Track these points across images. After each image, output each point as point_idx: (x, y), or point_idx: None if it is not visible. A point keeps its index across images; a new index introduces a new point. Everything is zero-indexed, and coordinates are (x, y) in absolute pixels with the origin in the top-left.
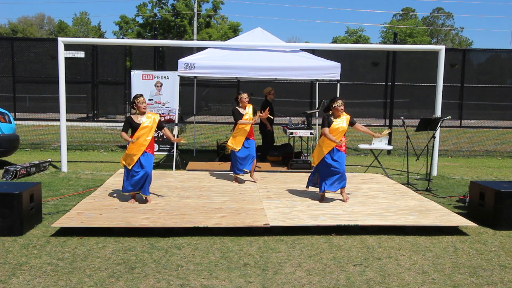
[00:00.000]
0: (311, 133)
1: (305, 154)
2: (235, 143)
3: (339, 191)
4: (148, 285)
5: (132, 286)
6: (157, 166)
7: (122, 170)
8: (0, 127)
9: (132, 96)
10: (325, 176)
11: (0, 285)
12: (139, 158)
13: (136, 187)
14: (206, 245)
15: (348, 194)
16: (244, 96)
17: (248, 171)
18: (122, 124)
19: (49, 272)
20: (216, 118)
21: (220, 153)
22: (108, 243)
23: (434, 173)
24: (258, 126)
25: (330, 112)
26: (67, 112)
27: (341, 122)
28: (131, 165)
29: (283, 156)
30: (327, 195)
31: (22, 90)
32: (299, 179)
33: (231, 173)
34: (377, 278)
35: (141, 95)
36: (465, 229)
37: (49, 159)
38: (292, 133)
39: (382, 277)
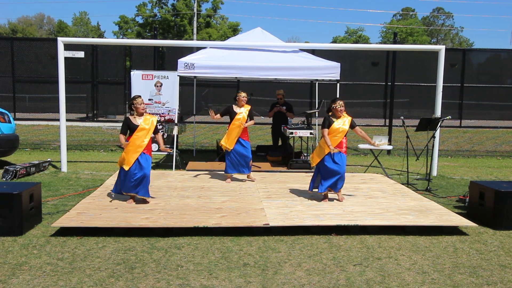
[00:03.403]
0: (311, 133)
1: (305, 154)
2: (228, 143)
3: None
4: (148, 285)
5: (132, 286)
6: (157, 166)
7: None
8: (0, 127)
9: (131, 97)
10: (325, 177)
11: (0, 285)
12: (137, 160)
13: (132, 189)
14: (206, 245)
15: (349, 195)
16: (243, 95)
17: (245, 173)
18: (121, 124)
19: (49, 272)
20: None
21: (220, 153)
22: (108, 243)
23: (434, 173)
24: (271, 126)
25: (330, 113)
26: (66, 112)
27: (342, 123)
28: (129, 166)
29: (283, 156)
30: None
31: (21, 90)
32: (299, 179)
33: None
34: (377, 278)
35: (139, 96)
36: (465, 229)
37: (48, 159)
38: (292, 133)
39: (382, 277)
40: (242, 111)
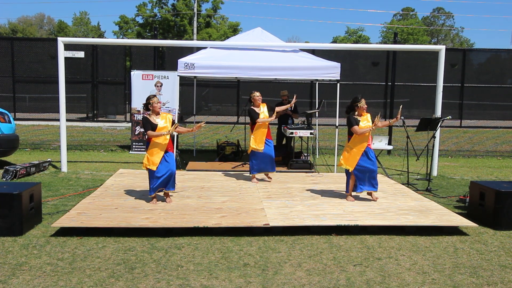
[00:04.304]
0: (311, 133)
1: (305, 154)
2: (257, 144)
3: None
4: (148, 285)
5: (132, 286)
6: None
7: (122, 170)
8: (0, 127)
9: (146, 97)
10: (363, 177)
11: (0, 285)
12: (163, 158)
13: (163, 186)
14: (206, 245)
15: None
16: (257, 94)
17: (271, 171)
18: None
19: (49, 272)
20: (216, 118)
21: (220, 153)
22: (108, 243)
23: (434, 173)
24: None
25: (357, 113)
26: (67, 112)
27: (366, 120)
28: (156, 166)
29: (283, 156)
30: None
31: (22, 90)
32: (299, 179)
33: (248, 174)
34: (377, 278)
35: (155, 96)
36: (465, 229)
37: (49, 159)
38: (292, 133)
39: (382, 277)
40: (264, 110)
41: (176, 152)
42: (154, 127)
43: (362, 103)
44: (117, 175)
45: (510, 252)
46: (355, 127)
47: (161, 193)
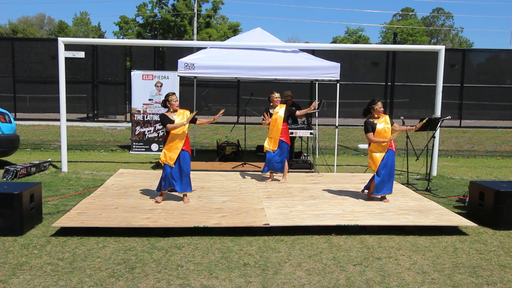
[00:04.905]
0: (311, 133)
1: (305, 154)
2: (272, 144)
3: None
4: (148, 285)
5: (132, 286)
6: (157, 166)
7: (122, 170)
8: (1, 127)
9: (165, 94)
10: (385, 180)
11: (1, 285)
12: (179, 156)
13: (171, 185)
14: (206, 245)
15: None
16: (275, 95)
17: (279, 172)
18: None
19: (49, 272)
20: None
21: (220, 153)
22: (108, 243)
23: (434, 173)
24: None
25: (375, 116)
26: (67, 112)
27: (384, 122)
28: (173, 162)
29: None
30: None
31: (22, 90)
32: (299, 179)
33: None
34: (377, 278)
35: (174, 93)
36: (465, 229)
37: (49, 159)
38: (292, 133)
39: (382, 277)
40: (278, 111)
41: None
42: (171, 123)
43: (378, 106)
44: (117, 175)
45: (509, 251)
46: (369, 134)
47: (180, 195)
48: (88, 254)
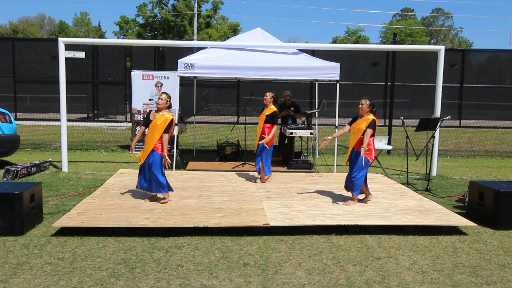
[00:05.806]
0: (311, 133)
1: (305, 154)
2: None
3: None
4: (148, 285)
5: (132, 286)
6: None
7: (122, 170)
8: (1, 127)
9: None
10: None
11: (1, 285)
12: (147, 156)
13: (145, 186)
14: (206, 245)
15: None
16: (268, 96)
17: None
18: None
19: (50, 272)
20: (216, 118)
21: (220, 153)
22: (109, 243)
23: (434, 173)
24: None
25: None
26: (67, 112)
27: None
28: (142, 162)
29: (283, 156)
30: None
31: (22, 90)
32: (299, 179)
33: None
34: (377, 278)
35: (165, 93)
36: (465, 229)
37: (49, 159)
38: (292, 133)
39: (381, 276)
40: (265, 112)
41: (176, 152)
42: (148, 123)
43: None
44: (117, 175)
45: (509, 251)
46: (370, 131)
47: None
48: (89, 254)
